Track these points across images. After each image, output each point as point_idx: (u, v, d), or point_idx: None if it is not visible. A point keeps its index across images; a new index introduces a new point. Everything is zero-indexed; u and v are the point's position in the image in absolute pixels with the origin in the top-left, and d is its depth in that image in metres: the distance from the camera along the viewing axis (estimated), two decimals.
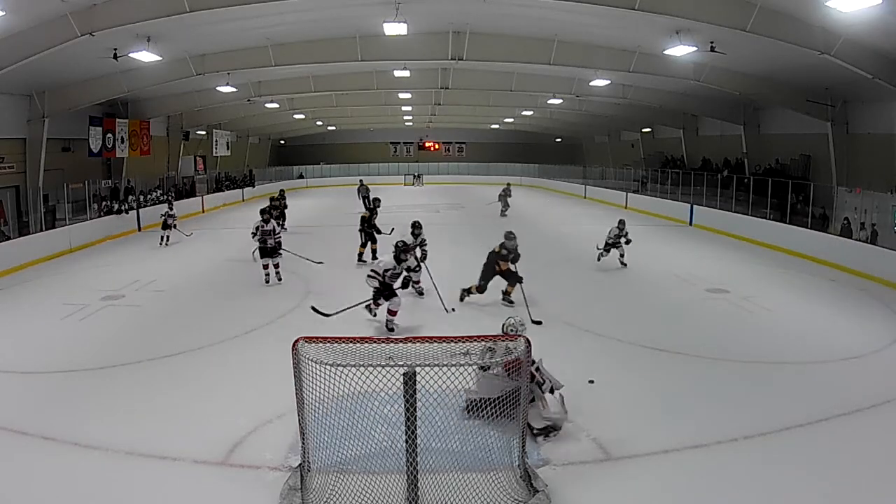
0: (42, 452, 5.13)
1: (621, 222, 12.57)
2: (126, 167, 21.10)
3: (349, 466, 4.45)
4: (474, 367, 4.90)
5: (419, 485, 4.18)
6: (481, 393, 5.25)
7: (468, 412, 5.29)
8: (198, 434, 5.37)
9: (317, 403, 4.20)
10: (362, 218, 13.19)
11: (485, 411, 5.02)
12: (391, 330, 8.20)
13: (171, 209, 16.62)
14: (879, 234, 12.92)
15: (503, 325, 5.90)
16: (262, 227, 11.18)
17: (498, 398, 4.94)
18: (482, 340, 4.54)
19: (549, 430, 5.33)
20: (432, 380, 4.02)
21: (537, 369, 5.44)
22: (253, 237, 11.37)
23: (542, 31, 14.16)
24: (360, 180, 25.84)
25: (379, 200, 14.35)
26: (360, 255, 12.91)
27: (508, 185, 24.32)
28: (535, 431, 5.26)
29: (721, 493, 4.56)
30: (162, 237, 16.33)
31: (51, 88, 15.67)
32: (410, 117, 33.94)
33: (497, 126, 37.24)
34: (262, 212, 11.59)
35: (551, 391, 5.51)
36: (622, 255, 12.55)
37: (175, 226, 16.55)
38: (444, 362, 5.00)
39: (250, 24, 12.90)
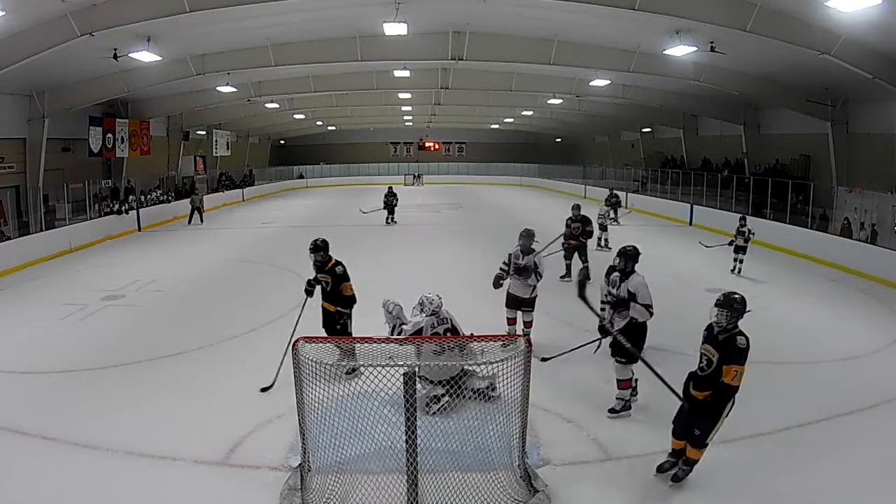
0: (42, 452, 5.14)
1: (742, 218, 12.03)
2: (126, 167, 21.09)
3: (349, 466, 4.45)
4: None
5: (419, 485, 4.18)
6: (432, 376, 5.39)
7: (432, 410, 5.42)
8: (198, 434, 5.37)
9: (317, 403, 4.20)
10: None
11: (441, 403, 5.20)
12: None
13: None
14: (879, 234, 12.93)
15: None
16: None
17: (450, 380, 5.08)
18: (482, 340, 4.54)
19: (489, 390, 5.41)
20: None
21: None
22: None
23: (542, 31, 14.15)
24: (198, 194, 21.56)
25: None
26: None
27: (613, 190, 20.34)
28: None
29: (721, 493, 4.56)
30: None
31: (51, 88, 15.66)
32: (410, 117, 33.94)
33: (497, 126, 37.24)
34: None
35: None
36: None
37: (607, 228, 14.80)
38: (444, 362, 5.01)
39: (250, 24, 12.90)
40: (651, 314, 5.67)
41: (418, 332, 5.87)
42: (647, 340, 5.84)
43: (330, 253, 6.78)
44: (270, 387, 6.31)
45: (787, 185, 15.58)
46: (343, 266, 6.72)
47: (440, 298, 6.09)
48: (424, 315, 5.97)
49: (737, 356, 4.27)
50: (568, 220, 11.37)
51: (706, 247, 13.20)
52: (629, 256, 5.74)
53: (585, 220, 11.25)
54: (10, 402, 6.14)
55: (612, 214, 19.52)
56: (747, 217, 12.31)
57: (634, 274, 5.74)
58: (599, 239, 14.45)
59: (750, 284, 11.21)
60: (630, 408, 5.86)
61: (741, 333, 4.34)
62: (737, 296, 4.40)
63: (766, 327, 8.61)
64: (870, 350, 7.64)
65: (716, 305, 4.41)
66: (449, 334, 5.86)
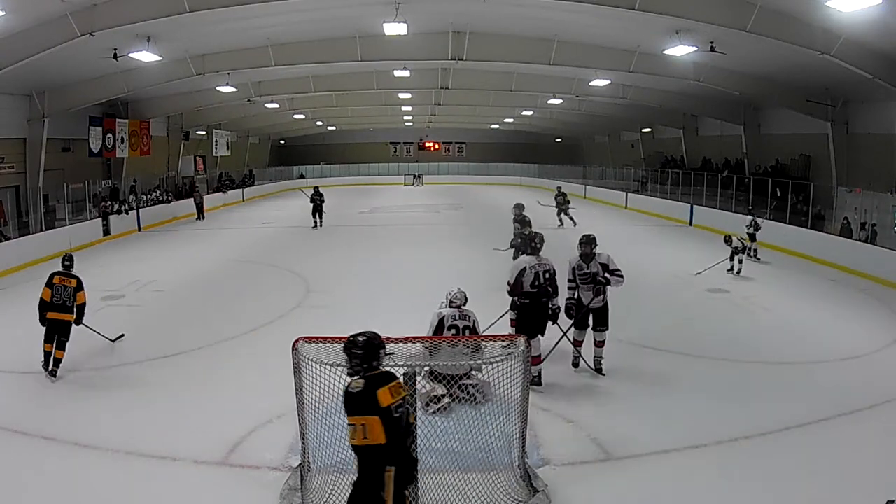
0: (42, 452, 5.13)
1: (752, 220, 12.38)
2: (126, 167, 21.11)
3: (349, 466, 4.44)
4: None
5: (419, 485, 4.18)
6: (443, 369, 5.42)
7: (431, 410, 5.47)
8: (198, 434, 5.37)
9: (317, 403, 4.20)
10: None
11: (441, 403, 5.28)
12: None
13: None
14: (879, 234, 12.92)
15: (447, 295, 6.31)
16: None
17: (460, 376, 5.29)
18: (482, 340, 4.54)
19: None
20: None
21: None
22: None
23: (542, 31, 14.15)
24: None
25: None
26: None
27: (560, 188, 20.01)
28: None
29: (721, 493, 4.56)
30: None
31: (51, 88, 15.67)
32: (410, 117, 33.94)
33: (497, 126, 37.23)
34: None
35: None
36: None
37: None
38: (444, 362, 5.00)
39: (250, 24, 12.90)
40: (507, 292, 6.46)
41: (440, 322, 6.06)
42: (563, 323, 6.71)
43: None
44: (119, 337, 7.46)
45: (788, 185, 15.59)
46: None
47: (464, 294, 6.26)
48: (447, 307, 6.19)
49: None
50: (513, 219, 11.37)
51: (697, 273, 11.70)
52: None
53: (524, 222, 10.94)
54: (10, 402, 6.14)
55: (560, 217, 18.40)
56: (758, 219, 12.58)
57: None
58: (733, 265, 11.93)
59: (750, 284, 11.23)
60: (539, 383, 6.12)
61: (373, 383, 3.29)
62: (360, 338, 3.41)
63: (766, 327, 8.68)
64: (870, 350, 7.64)
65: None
66: (468, 332, 5.97)
